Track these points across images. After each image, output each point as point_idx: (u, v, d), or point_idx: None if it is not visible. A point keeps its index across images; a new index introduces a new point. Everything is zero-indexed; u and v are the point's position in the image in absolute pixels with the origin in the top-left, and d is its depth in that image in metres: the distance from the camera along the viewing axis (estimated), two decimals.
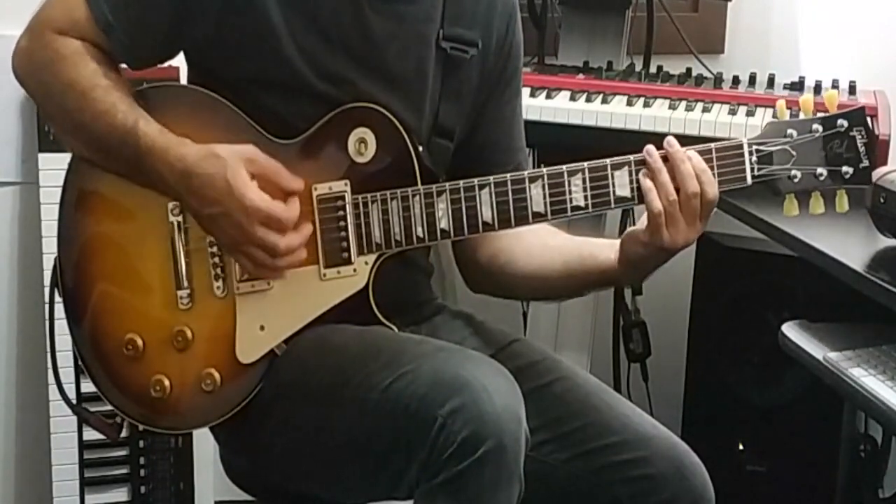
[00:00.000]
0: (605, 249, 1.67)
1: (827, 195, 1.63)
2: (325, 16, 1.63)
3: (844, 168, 1.62)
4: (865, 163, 1.62)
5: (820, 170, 1.62)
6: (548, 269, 1.75)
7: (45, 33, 1.60)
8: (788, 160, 1.62)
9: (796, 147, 1.61)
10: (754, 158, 1.61)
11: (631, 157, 1.60)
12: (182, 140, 1.57)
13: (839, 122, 1.62)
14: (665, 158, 1.58)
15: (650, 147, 1.59)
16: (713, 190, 1.58)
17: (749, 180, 1.61)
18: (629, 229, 1.64)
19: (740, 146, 1.61)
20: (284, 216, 1.55)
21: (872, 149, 1.62)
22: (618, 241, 1.66)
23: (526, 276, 1.76)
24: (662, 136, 2.18)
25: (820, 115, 1.62)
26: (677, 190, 1.56)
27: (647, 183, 1.58)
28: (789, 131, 1.62)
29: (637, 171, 1.60)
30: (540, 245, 1.73)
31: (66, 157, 1.67)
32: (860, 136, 1.62)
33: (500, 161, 1.77)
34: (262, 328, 1.61)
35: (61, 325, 1.69)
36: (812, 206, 1.63)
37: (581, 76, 2.42)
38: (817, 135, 1.62)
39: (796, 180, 1.62)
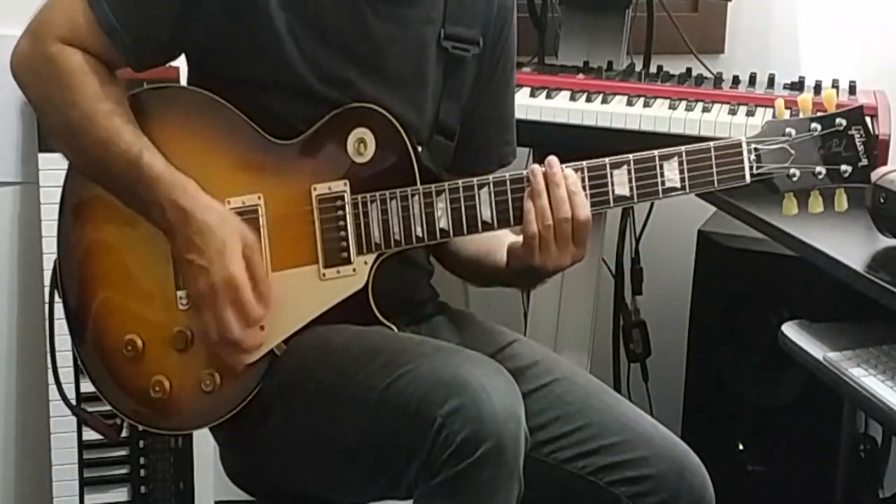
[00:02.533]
0: (503, 252, 1.68)
1: (826, 194, 1.63)
2: (326, 18, 1.63)
3: (843, 167, 1.62)
4: (864, 161, 1.62)
5: (819, 168, 1.62)
6: (463, 252, 1.78)
7: (46, 40, 1.59)
8: (787, 159, 1.62)
9: (795, 146, 1.62)
10: (753, 157, 1.61)
11: (630, 157, 1.61)
12: (191, 181, 1.57)
13: (838, 120, 1.62)
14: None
15: (535, 167, 1.60)
16: (584, 212, 1.58)
17: (748, 179, 1.62)
18: (511, 241, 1.64)
19: (739, 145, 1.61)
20: (253, 312, 1.55)
21: (871, 147, 1.63)
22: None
23: (448, 251, 1.80)
24: (662, 136, 2.22)
25: (818, 113, 1.62)
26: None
27: (527, 204, 1.59)
28: (788, 130, 1.62)
29: (637, 171, 1.60)
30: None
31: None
32: (859, 135, 1.62)
33: (488, 154, 1.79)
34: (261, 328, 1.61)
35: (61, 326, 1.69)
36: (811, 205, 1.64)
37: (581, 76, 2.42)
38: (816, 133, 1.62)
39: (795, 179, 1.62)
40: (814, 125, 1.62)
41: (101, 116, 1.57)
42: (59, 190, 1.68)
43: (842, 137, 1.62)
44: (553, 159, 1.60)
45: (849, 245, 2.00)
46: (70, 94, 1.58)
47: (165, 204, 1.56)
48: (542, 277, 1.65)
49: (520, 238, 1.61)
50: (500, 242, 1.69)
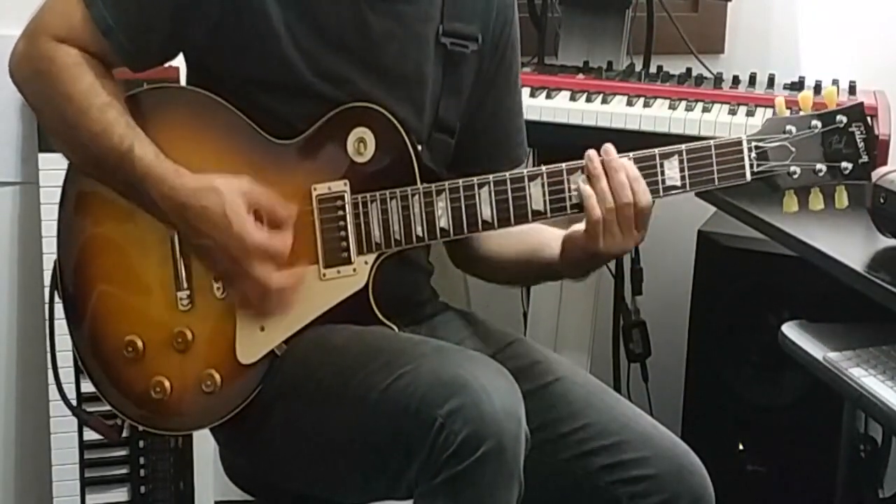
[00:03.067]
0: (554, 243, 1.68)
1: (826, 191, 1.63)
2: (324, 16, 1.63)
3: (844, 164, 1.62)
4: (865, 158, 1.62)
5: (819, 166, 1.62)
6: (504, 253, 1.77)
7: (42, 39, 1.59)
8: (787, 156, 1.62)
9: (795, 143, 1.62)
10: (753, 155, 1.61)
11: (630, 155, 1.60)
12: (178, 169, 1.57)
13: (838, 117, 1.62)
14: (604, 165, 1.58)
15: (591, 152, 1.60)
16: (646, 199, 1.58)
17: (748, 177, 1.61)
18: (570, 229, 1.64)
19: (739, 143, 1.61)
20: (281, 248, 1.56)
21: (872, 144, 1.62)
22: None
23: (483, 256, 1.79)
24: (662, 136, 2.22)
25: (819, 111, 1.62)
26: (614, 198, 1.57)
27: (586, 189, 1.58)
28: (788, 127, 1.62)
29: (637, 169, 1.60)
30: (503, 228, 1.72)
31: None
32: (859, 132, 1.62)
33: (498, 156, 1.78)
34: (262, 329, 1.61)
35: (61, 326, 1.69)
36: (811, 203, 1.64)
37: (581, 76, 2.42)
38: (816, 131, 1.62)
39: (795, 176, 1.62)
40: (814, 122, 1.62)
41: (96, 110, 1.57)
42: (59, 190, 1.68)
43: (842, 134, 1.62)
44: (609, 146, 1.60)
45: (849, 245, 2.00)
46: (65, 89, 1.58)
47: (157, 198, 1.56)
48: (603, 263, 1.65)
49: (574, 228, 1.61)
50: (548, 237, 1.69)
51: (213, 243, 1.55)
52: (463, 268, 1.86)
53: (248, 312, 1.61)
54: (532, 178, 1.61)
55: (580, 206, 1.60)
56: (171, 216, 1.56)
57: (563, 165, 1.61)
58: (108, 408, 1.68)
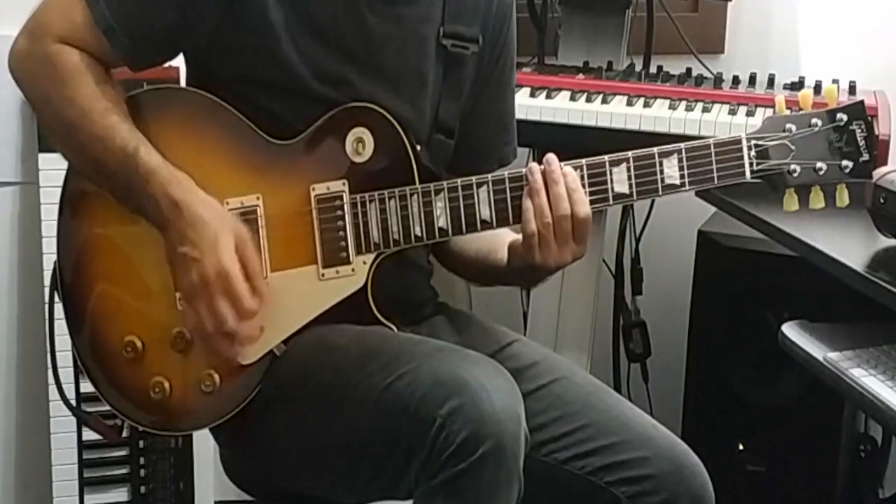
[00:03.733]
0: (504, 250, 1.67)
1: (827, 190, 1.63)
2: (324, 18, 1.63)
3: (844, 162, 1.62)
4: (865, 157, 1.62)
5: (819, 164, 1.61)
6: (465, 251, 1.78)
7: (43, 39, 1.59)
8: (787, 155, 1.62)
9: (795, 142, 1.61)
10: (753, 153, 1.61)
11: (629, 154, 1.60)
12: (187, 177, 1.57)
13: (839, 116, 1.62)
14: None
15: (533, 165, 1.59)
16: (584, 210, 1.58)
17: (748, 175, 1.61)
18: (513, 238, 1.64)
19: (738, 141, 1.61)
20: (247, 303, 1.54)
21: (872, 143, 1.62)
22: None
23: (449, 251, 1.80)
24: (662, 136, 2.21)
25: (819, 109, 1.62)
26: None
27: (525, 203, 1.59)
28: (788, 126, 1.62)
29: (636, 168, 1.60)
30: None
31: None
32: (860, 130, 1.62)
33: (486, 155, 1.79)
34: (261, 329, 1.61)
35: (61, 326, 1.69)
36: (812, 201, 1.63)
37: (581, 76, 2.42)
38: (816, 129, 1.61)
39: (796, 175, 1.62)
40: (814, 121, 1.61)
41: (98, 114, 1.57)
42: (59, 190, 1.68)
43: (843, 133, 1.61)
44: (551, 157, 1.60)
45: (849, 245, 2.00)
46: (67, 93, 1.58)
47: (160, 197, 1.55)
48: (544, 275, 1.65)
49: (520, 236, 1.61)
50: (501, 241, 1.69)
51: (194, 254, 1.53)
52: (438, 259, 1.85)
53: (196, 336, 1.59)
54: None
55: None
56: (167, 214, 1.55)
57: (561, 164, 1.61)
58: (107, 408, 1.68)
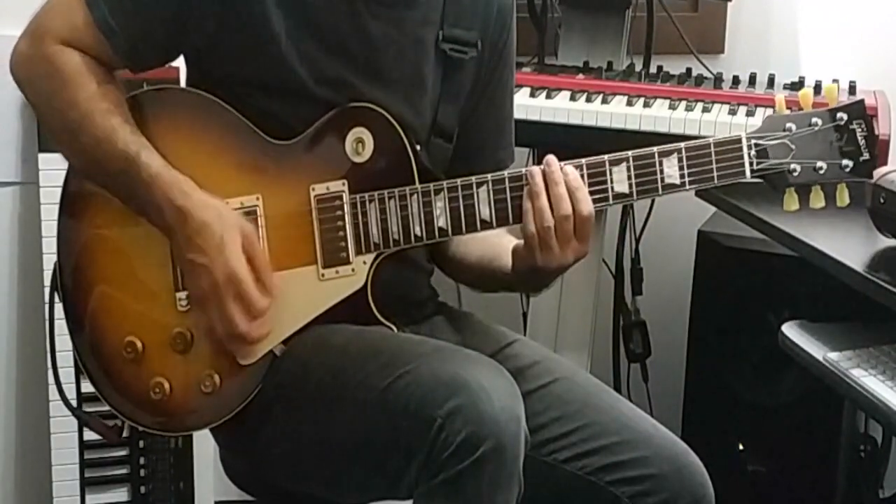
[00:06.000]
0: (507, 256, 1.67)
1: (827, 189, 1.63)
2: (324, 20, 1.63)
3: (844, 161, 1.62)
4: (866, 156, 1.62)
5: (820, 163, 1.61)
6: (468, 257, 1.78)
7: (45, 41, 1.59)
8: (787, 154, 1.61)
9: (795, 141, 1.61)
10: (753, 153, 1.61)
11: (629, 153, 1.60)
12: (188, 180, 1.57)
13: (839, 115, 1.61)
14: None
15: (533, 168, 1.59)
16: (586, 208, 1.57)
17: (748, 174, 1.61)
18: (515, 243, 1.64)
19: (738, 140, 1.61)
20: (258, 304, 1.55)
21: (873, 142, 1.62)
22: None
23: (451, 257, 1.80)
24: (662, 136, 2.21)
25: (819, 108, 1.62)
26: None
27: (525, 205, 1.58)
28: (788, 125, 1.61)
29: (636, 167, 1.60)
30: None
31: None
32: (860, 130, 1.61)
33: (483, 157, 1.78)
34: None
35: (61, 326, 1.69)
36: (812, 200, 1.63)
37: (581, 76, 2.42)
38: (816, 128, 1.61)
39: (796, 174, 1.62)
40: (814, 120, 1.61)
41: (99, 116, 1.57)
42: (59, 190, 1.68)
43: (843, 132, 1.61)
44: (551, 158, 1.60)
45: (849, 245, 2.00)
46: (68, 94, 1.58)
47: (163, 204, 1.55)
48: (547, 279, 1.64)
49: (520, 242, 1.61)
50: (504, 248, 1.69)
51: (201, 260, 1.54)
52: (438, 265, 1.85)
53: (206, 340, 1.60)
54: None
55: None
56: (171, 221, 1.56)
57: (562, 164, 1.61)
58: (107, 408, 1.68)
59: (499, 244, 1.71)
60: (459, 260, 1.79)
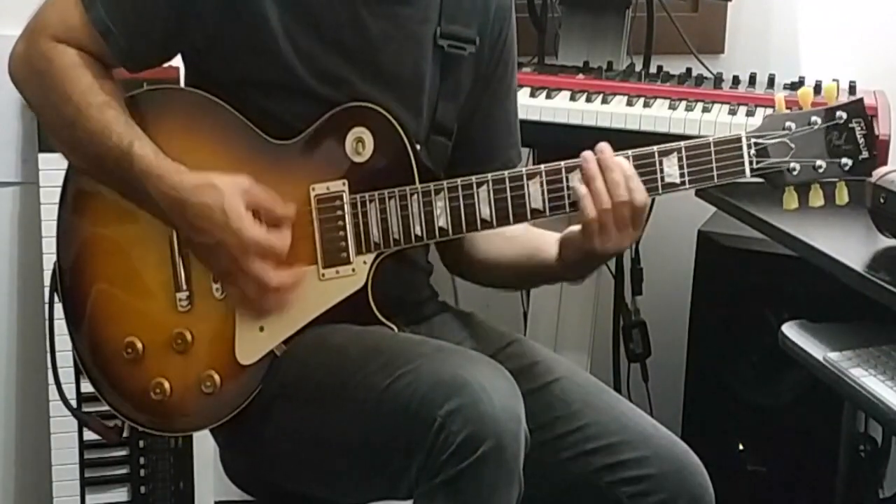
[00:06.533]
0: (551, 246, 1.68)
1: (826, 188, 1.63)
2: (322, 18, 1.63)
3: (844, 160, 1.62)
4: (865, 154, 1.62)
5: (819, 162, 1.61)
6: (502, 257, 1.77)
7: (41, 39, 1.59)
8: (787, 153, 1.62)
9: (795, 139, 1.61)
10: (752, 151, 1.61)
11: (629, 153, 1.60)
12: (178, 167, 1.57)
13: (838, 113, 1.62)
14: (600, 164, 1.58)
15: (587, 153, 1.59)
16: (641, 197, 1.58)
17: (748, 173, 1.61)
18: (566, 230, 1.64)
19: (738, 139, 1.61)
20: (279, 247, 1.56)
21: (872, 141, 1.62)
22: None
23: (482, 260, 1.79)
24: (662, 136, 2.21)
25: (819, 107, 1.62)
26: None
27: (581, 189, 1.58)
28: (788, 124, 1.62)
29: (636, 167, 1.60)
30: (498, 232, 1.71)
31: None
32: (859, 128, 1.62)
33: (490, 158, 1.78)
34: (261, 329, 1.61)
35: (61, 326, 1.69)
36: (811, 199, 1.63)
37: (581, 76, 2.42)
38: (816, 127, 1.61)
39: (795, 173, 1.62)
40: (814, 119, 1.61)
41: (95, 109, 1.57)
42: (59, 190, 1.68)
43: (842, 131, 1.61)
44: (604, 145, 1.59)
45: (849, 245, 2.00)
46: (64, 89, 1.58)
47: (158, 196, 1.56)
48: (600, 263, 1.65)
49: (571, 229, 1.61)
50: (546, 240, 1.69)
51: (212, 241, 1.54)
52: (453, 270, 1.85)
53: (247, 311, 1.61)
54: (531, 176, 1.61)
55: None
56: (170, 214, 1.56)
57: (562, 164, 1.61)
58: (107, 408, 1.68)
59: (537, 238, 1.72)
60: (493, 262, 1.78)
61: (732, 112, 2.29)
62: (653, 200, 1.65)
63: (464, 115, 1.76)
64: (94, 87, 1.59)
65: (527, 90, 2.33)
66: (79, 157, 1.62)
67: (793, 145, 1.61)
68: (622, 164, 1.58)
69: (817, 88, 2.34)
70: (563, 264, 1.66)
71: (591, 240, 1.58)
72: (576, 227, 1.61)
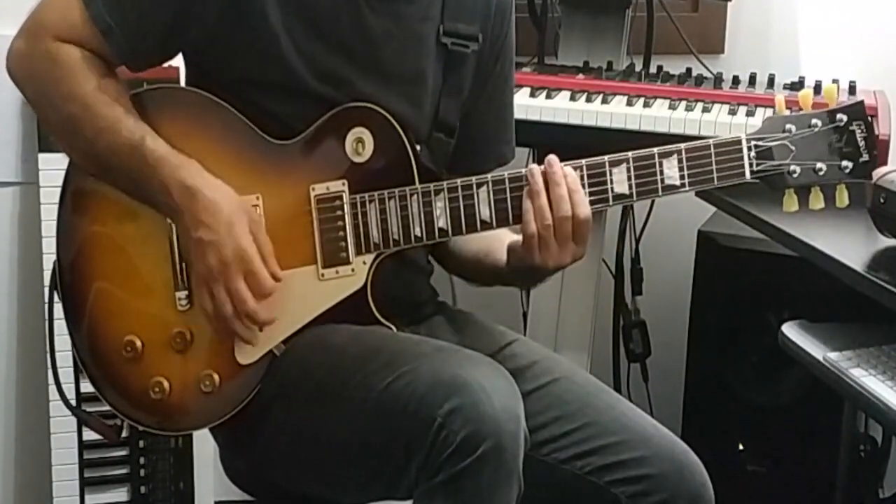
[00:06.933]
0: (502, 250, 1.67)
1: (827, 190, 1.63)
2: (323, 17, 1.63)
3: (844, 162, 1.62)
4: (865, 157, 1.62)
5: (819, 164, 1.61)
6: (464, 252, 1.78)
7: (42, 38, 1.59)
8: (787, 155, 1.62)
9: (795, 142, 1.61)
10: (752, 154, 1.61)
11: (629, 154, 1.60)
12: (195, 162, 1.57)
13: (838, 116, 1.62)
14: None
15: (533, 167, 1.59)
16: (584, 211, 1.58)
17: (748, 176, 1.61)
18: (511, 240, 1.64)
19: (738, 142, 1.61)
20: (266, 282, 1.56)
21: (872, 143, 1.62)
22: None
23: (450, 251, 1.80)
24: (662, 136, 2.21)
25: (819, 110, 1.62)
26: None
27: (525, 204, 1.58)
28: (788, 126, 1.62)
29: (636, 168, 1.60)
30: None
31: (66, 157, 1.67)
32: (860, 131, 1.62)
33: (485, 154, 1.79)
34: (260, 329, 1.61)
35: (61, 326, 1.69)
36: (811, 202, 1.63)
37: (581, 76, 2.42)
38: (816, 129, 1.61)
39: (795, 175, 1.62)
40: (814, 121, 1.61)
41: (102, 106, 1.58)
42: (59, 190, 1.68)
43: (842, 133, 1.61)
44: (553, 158, 1.60)
45: (849, 245, 1.99)
46: (68, 88, 1.58)
47: (171, 183, 1.55)
48: (543, 276, 1.65)
49: (520, 237, 1.61)
50: (500, 242, 1.69)
51: (211, 238, 1.54)
52: (439, 263, 1.85)
53: (210, 324, 1.59)
54: None
55: None
56: (178, 200, 1.55)
57: (562, 165, 1.60)
58: (107, 408, 1.68)
59: (495, 238, 1.71)
60: (457, 254, 1.80)
61: (732, 112, 2.29)
62: (653, 200, 1.65)
63: (463, 111, 1.76)
64: (99, 84, 1.59)
65: (527, 90, 2.33)
66: (83, 155, 1.62)
67: (793, 148, 1.61)
68: (569, 177, 1.58)
69: (817, 89, 2.34)
70: (511, 270, 1.66)
71: (531, 254, 1.59)
72: (520, 238, 1.61)
